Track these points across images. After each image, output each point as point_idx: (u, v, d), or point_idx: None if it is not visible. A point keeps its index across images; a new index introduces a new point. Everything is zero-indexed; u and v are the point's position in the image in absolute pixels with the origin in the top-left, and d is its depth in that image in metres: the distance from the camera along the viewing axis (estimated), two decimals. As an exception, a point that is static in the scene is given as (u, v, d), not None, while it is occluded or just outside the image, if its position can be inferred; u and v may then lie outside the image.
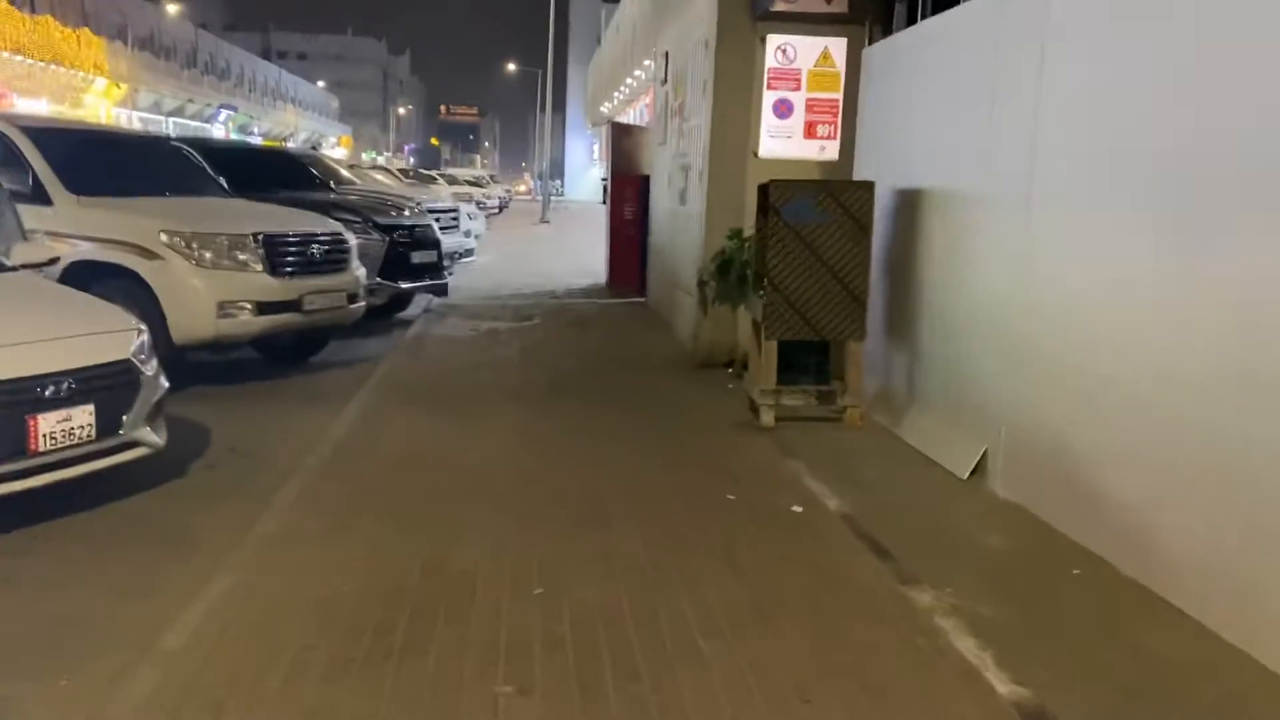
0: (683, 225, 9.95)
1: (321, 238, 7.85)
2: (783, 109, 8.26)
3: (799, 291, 6.46)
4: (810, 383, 7.05)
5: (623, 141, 13.91)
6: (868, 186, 6.46)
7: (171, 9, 54.30)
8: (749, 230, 8.12)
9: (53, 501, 4.44)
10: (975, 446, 5.48)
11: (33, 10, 39.34)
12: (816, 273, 6.44)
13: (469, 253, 16.84)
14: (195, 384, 7.29)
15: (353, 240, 8.32)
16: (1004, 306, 5.28)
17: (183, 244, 6.91)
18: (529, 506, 4.81)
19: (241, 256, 7.14)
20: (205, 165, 8.74)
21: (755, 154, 8.32)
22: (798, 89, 8.24)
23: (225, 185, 9.35)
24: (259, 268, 7.20)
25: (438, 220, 13.89)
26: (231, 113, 58.28)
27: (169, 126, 48.82)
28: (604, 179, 18.84)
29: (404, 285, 10.61)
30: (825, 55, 8.21)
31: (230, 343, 7.31)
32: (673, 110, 10.65)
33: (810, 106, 8.26)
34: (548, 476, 5.34)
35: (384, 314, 11.33)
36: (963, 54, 5.83)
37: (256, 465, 5.48)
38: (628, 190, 13.44)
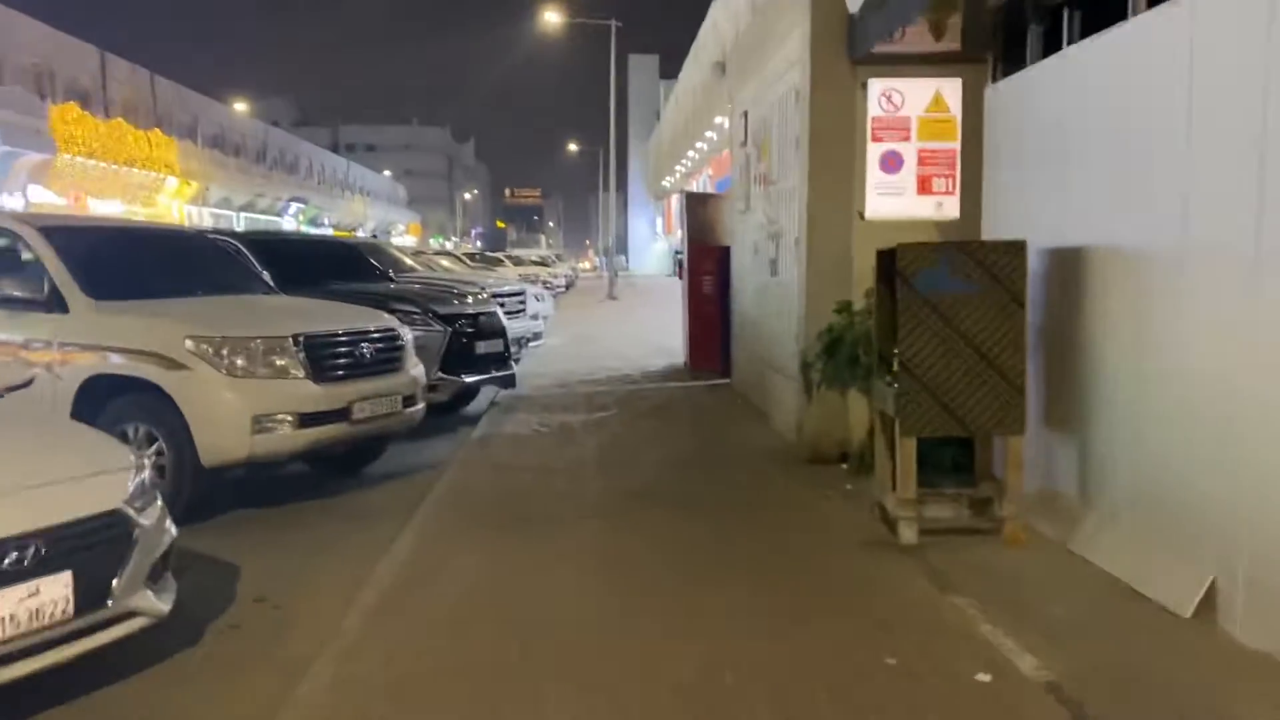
0: (775, 299, 8.86)
1: (373, 335, 6.90)
2: (891, 162, 7.18)
3: (940, 377, 5.28)
4: (951, 484, 5.85)
5: (698, 211, 12.93)
6: (1017, 248, 5.29)
7: (240, 107, 55.64)
8: (859, 303, 7.03)
9: (15, 693, 3.42)
10: (1198, 574, 4.21)
11: (106, 114, 40.38)
12: (960, 354, 5.27)
13: (537, 336, 15.94)
14: (231, 507, 6.37)
15: (408, 336, 7.36)
16: (1229, 395, 4.05)
17: (211, 351, 6.00)
18: (621, 689, 3.65)
19: (280, 362, 6.21)
20: (247, 259, 7.93)
21: (861, 215, 7.23)
22: (907, 139, 7.16)
23: (271, 280, 8.57)
24: (300, 374, 6.26)
25: (503, 305, 13.04)
26: (302, 205, 59.26)
27: (239, 222, 49.67)
28: (678, 252, 17.94)
29: (468, 379, 9.64)
30: (937, 99, 7.14)
31: (269, 462, 6.33)
32: (756, 174, 9.64)
33: (923, 158, 7.17)
34: (642, 636, 4.17)
35: (448, 409, 10.40)
36: (1141, 74, 4.69)
37: (286, 624, 4.43)
38: (706, 263, 12.41)
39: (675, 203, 14.77)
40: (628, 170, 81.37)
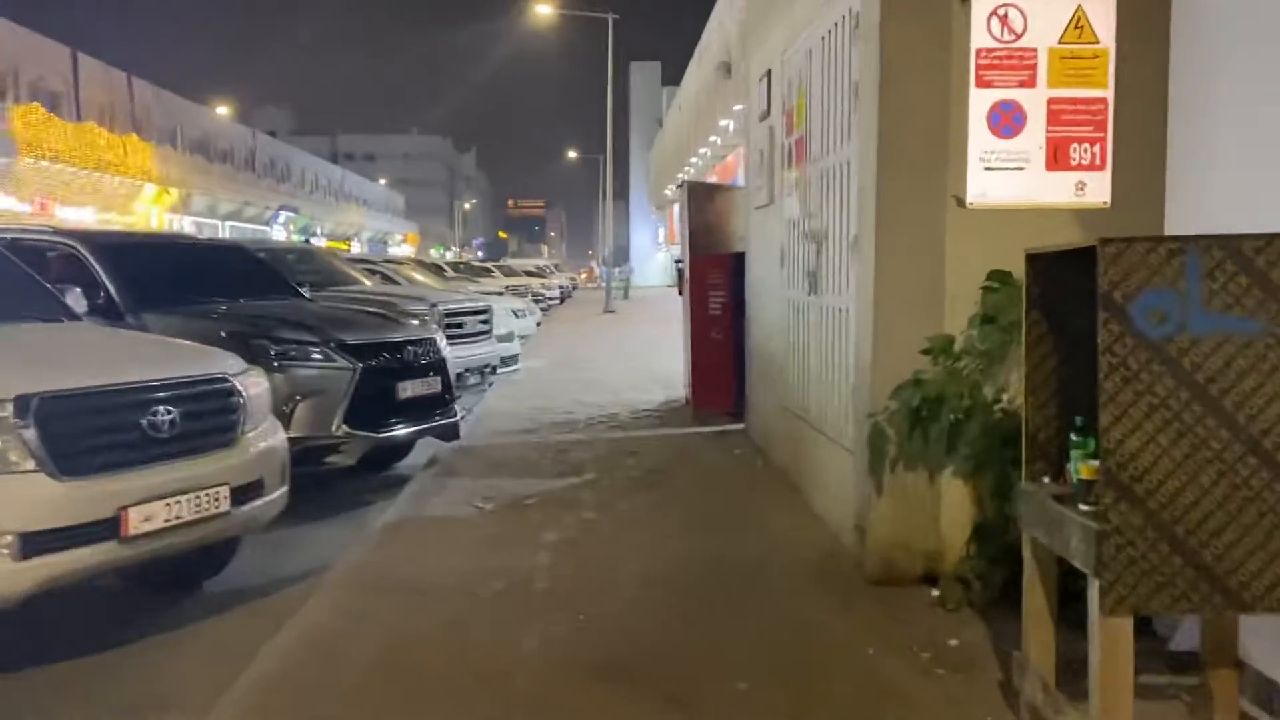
0: (815, 327, 6.27)
1: (178, 390, 4.30)
2: (1005, 119, 4.60)
3: (1183, 500, 2.69)
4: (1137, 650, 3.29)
5: (704, 207, 10.26)
6: (1333, 245, 2.71)
7: (222, 110, 53.56)
8: (961, 338, 4.49)
9: None
10: None
11: (79, 117, 38.29)
12: (1223, 455, 2.68)
13: (510, 360, 13.31)
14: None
15: (256, 388, 4.74)
16: None
17: None
18: None
19: (-8, 442, 3.65)
20: (34, 269, 5.38)
21: (960, 201, 4.64)
22: (1032, 84, 4.58)
23: (112, 297, 6.16)
24: (26, 462, 3.68)
25: (461, 326, 10.51)
26: (292, 215, 57.09)
27: (225, 230, 47.48)
28: (678, 261, 15.39)
29: (391, 433, 7.06)
30: (1079, 21, 4.57)
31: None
32: (784, 151, 7.06)
33: (1055, 114, 4.59)
34: None
35: (376, 467, 7.87)
36: None
37: None
38: (714, 275, 9.79)
39: (678, 209, 12.23)
40: (629, 179, 79.10)
